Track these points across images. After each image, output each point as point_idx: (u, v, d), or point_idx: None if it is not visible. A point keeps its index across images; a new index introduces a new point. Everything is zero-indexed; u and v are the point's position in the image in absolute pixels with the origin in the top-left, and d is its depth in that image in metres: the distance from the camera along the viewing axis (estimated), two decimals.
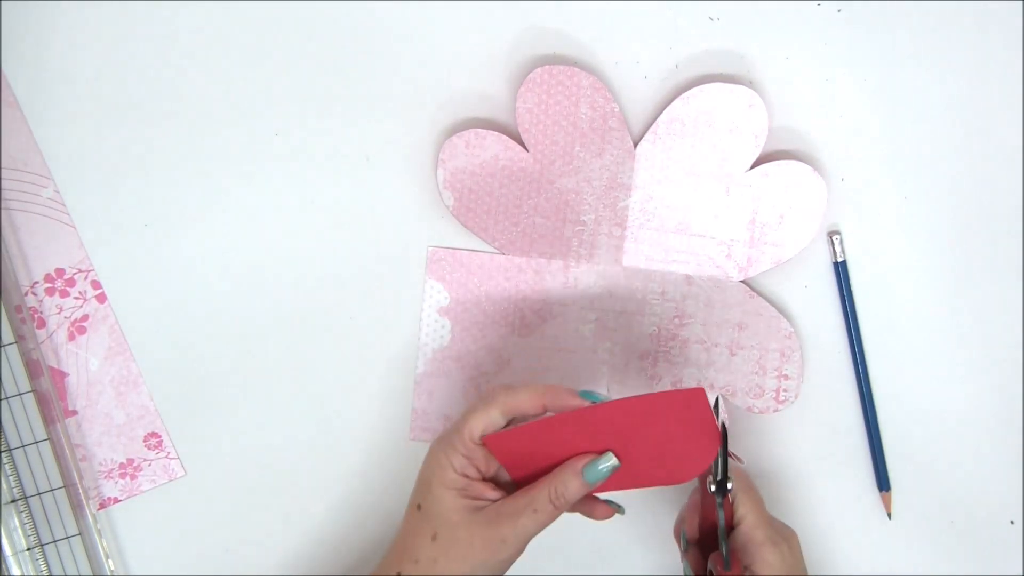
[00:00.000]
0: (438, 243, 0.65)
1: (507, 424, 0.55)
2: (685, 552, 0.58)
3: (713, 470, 0.56)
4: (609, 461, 0.55)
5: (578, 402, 0.55)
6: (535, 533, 0.54)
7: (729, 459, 0.56)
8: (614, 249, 0.65)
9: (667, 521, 0.65)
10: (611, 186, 0.64)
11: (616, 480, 0.55)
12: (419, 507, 0.55)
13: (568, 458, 0.55)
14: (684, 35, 0.64)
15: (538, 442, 0.55)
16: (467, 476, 0.55)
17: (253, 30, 0.65)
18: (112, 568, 0.64)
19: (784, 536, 0.57)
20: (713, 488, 0.56)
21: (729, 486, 0.56)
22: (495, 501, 0.55)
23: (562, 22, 0.64)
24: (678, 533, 0.60)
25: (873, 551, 0.66)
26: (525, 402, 0.55)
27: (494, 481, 0.57)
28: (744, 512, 0.56)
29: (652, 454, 0.55)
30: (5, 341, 0.63)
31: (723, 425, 0.56)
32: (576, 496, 0.55)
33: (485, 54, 0.65)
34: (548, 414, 0.55)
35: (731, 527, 0.57)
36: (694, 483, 0.59)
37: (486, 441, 0.55)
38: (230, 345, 0.65)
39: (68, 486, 0.64)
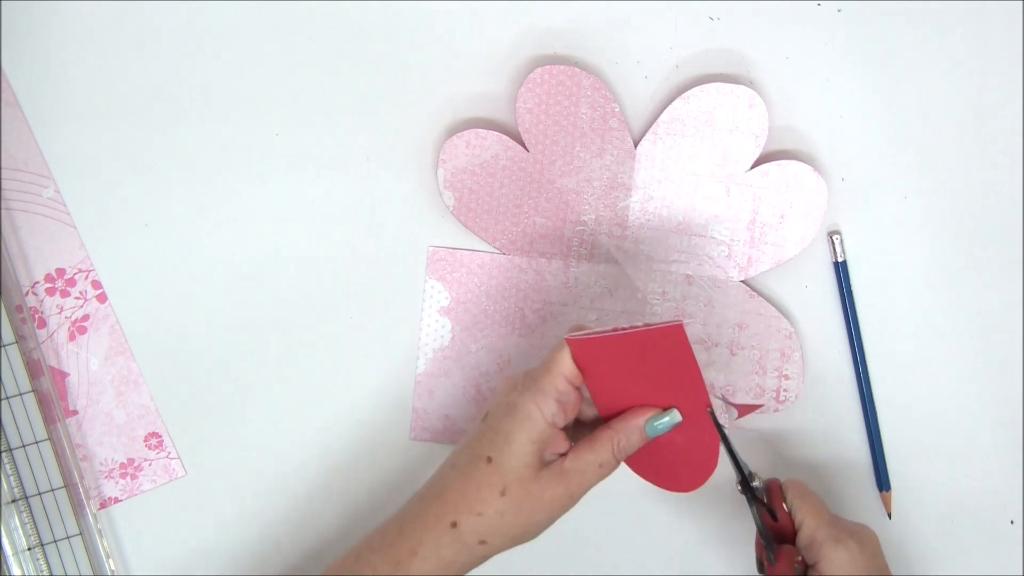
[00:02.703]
0: (438, 243, 0.65)
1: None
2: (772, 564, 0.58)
3: (736, 474, 0.57)
4: (675, 418, 0.55)
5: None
6: (597, 476, 0.55)
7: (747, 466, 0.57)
8: (614, 249, 0.65)
9: (667, 517, 0.65)
10: (611, 186, 0.64)
11: (641, 458, 0.56)
12: (490, 459, 0.54)
13: (631, 405, 0.56)
14: (684, 35, 0.64)
15: (618, 357, 0.55)
16: (555, 425, 0.54)
17: (253, 30, 0.65)
18: (112, 568, 0.64)
19: (851, 532, 0.56)
20: (740, 489, 0.57)
21: (756, 484, 0.57)
22: (562, 455, 0.55)
23: (562, 22, 0.64)
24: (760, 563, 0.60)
25: None
26: None
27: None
28: (803, 516, 0.57)
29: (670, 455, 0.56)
30: (6, 341, 0.63)
31: (720, 430, 0.56)
32: (636, 448, 0.55)
33: (485, 54, 0.65)
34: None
35: (795, 534, 0.57)
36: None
37: (569, 341, 0.54)
38: (230, 345, 0.65)
39: (69, 486, 0.64)
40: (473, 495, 0.54)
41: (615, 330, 0.54)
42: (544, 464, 0.54)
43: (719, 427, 0.55)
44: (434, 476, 0.57)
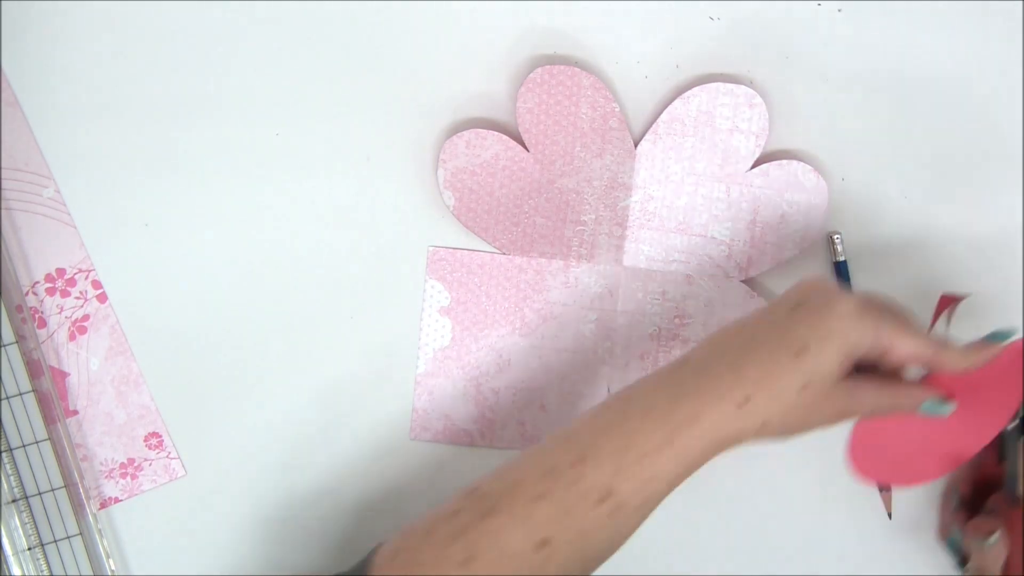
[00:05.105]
0: (438, 243, 0.65)
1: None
2: (955, 511, 0.58)
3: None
4: (953, 407, 0.55)
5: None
6: (866, 413, 0.55)
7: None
8: (614, 249, 0.65)
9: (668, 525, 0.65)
10: (611, 186, 0.64)
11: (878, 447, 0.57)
12: (801, 352, 0.52)
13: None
14: (684, 35, 0.64)
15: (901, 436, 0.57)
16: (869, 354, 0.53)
17: (254, 30, 0.65)
18: (112, 568, 0.64)
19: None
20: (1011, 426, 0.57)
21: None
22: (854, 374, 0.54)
23: (562, 22, 0.64)
24: (945, 526, 0.59)
25: (873, 551, 0.66)
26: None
27: None
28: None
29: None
30: (6, 341, 0.63)
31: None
32: (891, 413, 0.55)
33: (485, 54, 0.65)
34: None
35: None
36: None
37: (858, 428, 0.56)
38: (231, 345, 0.65)
39: (69, 486, 0.64)
40: (775, 382, 0.52)
41: None
42: (842, 376, 0.53)
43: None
44: (703, 349, 0.54)
